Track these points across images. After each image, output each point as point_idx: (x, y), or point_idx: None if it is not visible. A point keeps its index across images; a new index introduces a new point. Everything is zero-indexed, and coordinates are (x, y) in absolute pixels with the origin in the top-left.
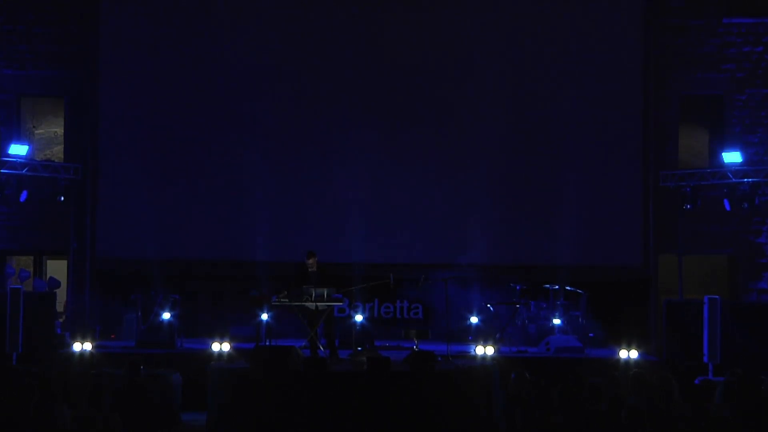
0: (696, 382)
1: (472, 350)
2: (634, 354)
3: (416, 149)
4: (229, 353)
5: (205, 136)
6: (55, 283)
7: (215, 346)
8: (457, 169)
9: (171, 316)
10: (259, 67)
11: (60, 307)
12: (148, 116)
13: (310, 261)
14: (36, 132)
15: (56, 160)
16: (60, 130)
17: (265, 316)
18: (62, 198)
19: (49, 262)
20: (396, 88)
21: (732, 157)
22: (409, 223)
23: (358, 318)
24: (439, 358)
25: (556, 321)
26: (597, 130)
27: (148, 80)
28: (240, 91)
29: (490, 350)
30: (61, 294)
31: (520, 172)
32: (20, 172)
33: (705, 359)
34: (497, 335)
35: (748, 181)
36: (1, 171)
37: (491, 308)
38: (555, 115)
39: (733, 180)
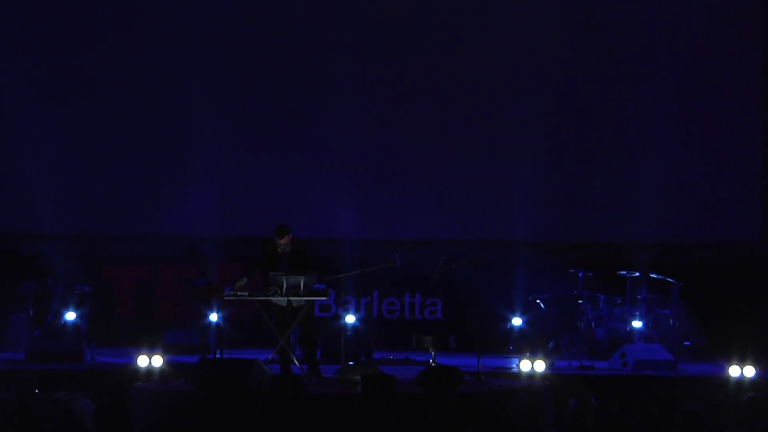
0: None
1: (515, 365)
2: (748, 371)
3: (435, 81)
4: (161, 369)
5: (131, 64)
6: None
7: (142, 360)
8: (493, 108)
9: (77, 315)
10: None
11: None
12: (54, 33)
13: (282, 240)
14: None
15: None
16: None
17: (214, 317)
18: None
19: None
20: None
21: None
22: (423, 183)
23: (350, 319)
24: (467, 377)
25: (637, 323)
26: (695, 57)
27: None
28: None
29: (539, 365)
30: None
31: (582, 112)
32: None
33: None
34: (550, 344)
35: None
36: None
37: (541, 304)
38: (634, 37)
39: None
